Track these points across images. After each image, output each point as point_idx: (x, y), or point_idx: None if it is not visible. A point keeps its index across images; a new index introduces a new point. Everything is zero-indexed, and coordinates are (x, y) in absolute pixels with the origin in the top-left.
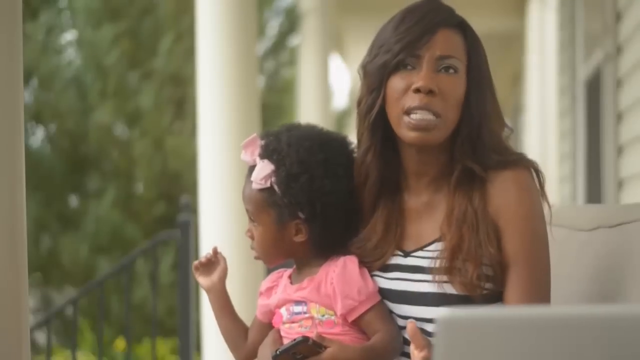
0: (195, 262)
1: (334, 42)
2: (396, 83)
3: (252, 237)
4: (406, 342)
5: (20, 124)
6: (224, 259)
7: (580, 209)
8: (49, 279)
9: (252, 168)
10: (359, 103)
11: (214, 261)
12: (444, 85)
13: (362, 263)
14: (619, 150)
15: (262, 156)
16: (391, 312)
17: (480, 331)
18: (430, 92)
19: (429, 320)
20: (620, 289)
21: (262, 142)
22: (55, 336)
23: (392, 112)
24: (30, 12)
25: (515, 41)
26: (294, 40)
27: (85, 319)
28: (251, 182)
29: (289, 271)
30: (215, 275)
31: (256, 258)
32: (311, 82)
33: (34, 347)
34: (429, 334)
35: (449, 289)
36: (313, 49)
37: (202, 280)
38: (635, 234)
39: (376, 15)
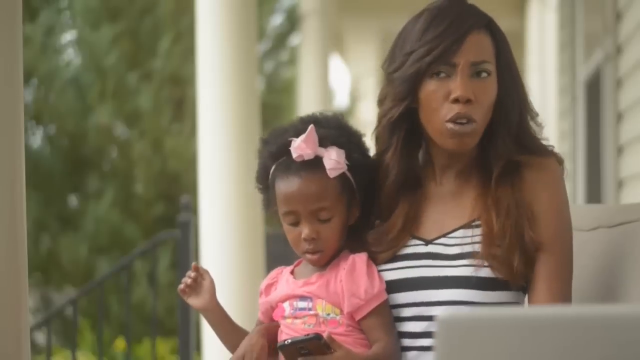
0: (181, 286)
1: (334, 42)
2: (431, 92)
3: (318, 237)
4: (409, 336)
5: (20, 124)
6: (207, 272)
7: (580, 209)
8: (48, 279)
9: (305, 164)
10: (381, 103)
11: (199, 279)
12: (480, 91)
13: (374, 253)
14: (619, 150)
15: (326, 144)
16: (401, 305)
17: (480, 331)
18: (468, 102)
19: (457, 303)
20: (620, 289)
21: (319, 132)
22: (55, 336)
23: (430, 121)
24: (30, 12)
25: (515, 41)
26: (294, 40)
27: (85, 319)
28: (316, 179)
29: (288, 268)
30: (205, 293)
31: (316, 261)
32: (311, 82)
33: (34, 347)
34: None
35: (480, 272)
36: (313, 49)
37: (194, 301)
38: (635, 234)
39: (376, 15)
